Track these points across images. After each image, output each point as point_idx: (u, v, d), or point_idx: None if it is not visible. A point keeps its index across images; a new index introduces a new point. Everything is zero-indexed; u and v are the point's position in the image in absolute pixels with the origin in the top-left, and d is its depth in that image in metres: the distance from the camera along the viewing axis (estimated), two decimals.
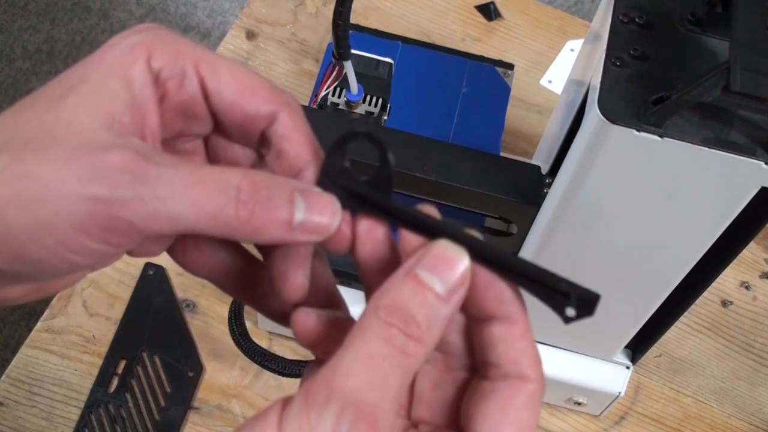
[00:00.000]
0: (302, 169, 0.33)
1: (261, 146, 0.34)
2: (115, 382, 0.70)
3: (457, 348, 0.33)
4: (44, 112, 0.28)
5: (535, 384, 0.31)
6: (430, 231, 0.31)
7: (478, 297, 0.31)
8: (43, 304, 0.73)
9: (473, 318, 0.32)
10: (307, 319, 0.32)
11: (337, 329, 0.32)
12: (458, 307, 0.30)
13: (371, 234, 0.32)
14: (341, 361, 0.28)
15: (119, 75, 0.29)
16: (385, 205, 0.32)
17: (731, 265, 0.53)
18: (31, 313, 1.33)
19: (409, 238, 0.31)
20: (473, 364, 0.33)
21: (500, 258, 0.31)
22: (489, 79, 0.70)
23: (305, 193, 0.30)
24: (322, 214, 0.30)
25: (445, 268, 0.30)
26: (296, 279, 0.33)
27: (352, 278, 0.64)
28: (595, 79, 0.46)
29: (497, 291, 0.31)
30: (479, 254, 0.31)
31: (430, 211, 0.32)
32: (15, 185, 0.27)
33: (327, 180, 0.33)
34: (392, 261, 0.32)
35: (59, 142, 0.27)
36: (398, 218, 0.32)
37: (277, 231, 0.30)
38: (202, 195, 0.28)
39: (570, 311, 0.32)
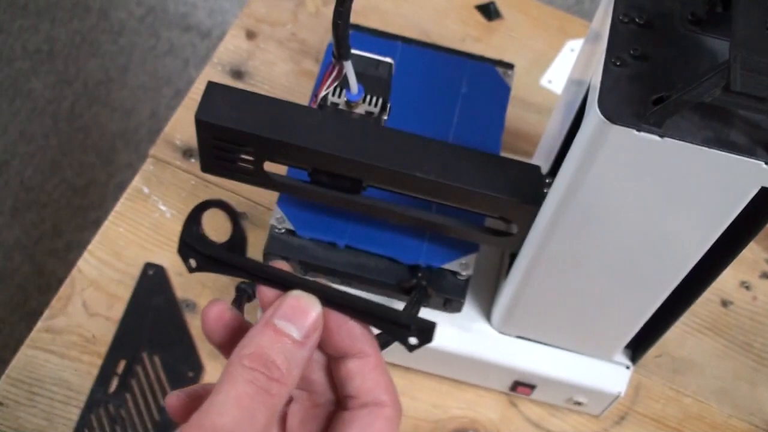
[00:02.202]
0: None
1: None
2: (115, 382, 0.70)
3: (320, 384, 0.37)
4: None
5: (391, 408, 0.37)
6: (284, 284, 0.36)
7: (333, 337, 0.35)
8: (43, 304, 0.73)
9: (331, 356, 0.36)
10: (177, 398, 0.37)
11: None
12: (314, 349, 0.35)
13: (220, 320, 0.37)
14: (212, 402, 0.32)
15: None
16: (240, 265, 0.37)
17: (731, 265, 0.53)
18: (31, 313, 1.34)
19: (266, 292, 0.36)
20: (336, 398, 0.37)
21: (348, 301, 0.35)
22: (489, 79, 0.70)
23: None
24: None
25: (300, 316, 0.34)
26: None
27: (352, 278, 0.64)
28: (595, 79, 0.46)
29: (348, 330, 0.35)
30: (329, 300, 0.35)
31: (282, 266, 0.37)
32: None
33: (186, 247, 0.37)
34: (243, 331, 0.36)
35: None
36: (253, 275, 0.37)
37: None
38: None
39: (412, 340, 0.36)
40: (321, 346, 0.36)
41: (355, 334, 0.35)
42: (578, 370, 0.66)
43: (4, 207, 1.43)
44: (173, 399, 0.37)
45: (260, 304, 0.36)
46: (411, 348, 0.36)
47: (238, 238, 0.38)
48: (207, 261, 0.38)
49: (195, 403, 0.35)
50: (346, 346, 0.36)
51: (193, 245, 0.37)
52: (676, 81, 0.43)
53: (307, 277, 0.36)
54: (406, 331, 0.36)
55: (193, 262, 0.38)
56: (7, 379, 0.69)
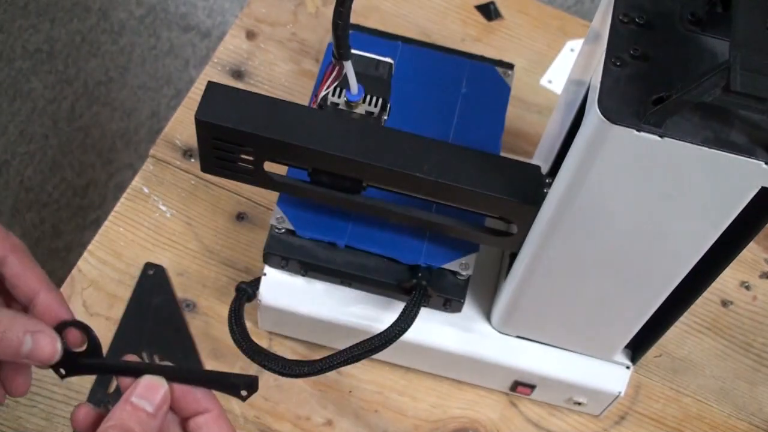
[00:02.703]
0: (37, 295, 0.45)
1: None
2: (115, 382, 0.70)
3: None
4: None
5: None
6: (137, 371, 0.46)
7: (180, 403, 0.45)
8: None
9: (183, 416, 0.46)
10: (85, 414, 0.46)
11: None
12: (165, 417, 0.44)
13: (87, 417, 0.46)
14: None
15: None
16: (100, 365, 0.49)
17: (731, 265, 0.53)
18: None
19: (124, 380, 0.46)
20: None
21: (188, 375, 0.46)
22: (489, 79, 0.70)
23: (35, 334, 0.43)
24: (44, 352, 0.44)
25: (151, 394, 0.44)
26: (21, 380, 0.49)
27: (352, 278, 0.64)
28: (595, 79, 0.46)
29: (192, 395, 0.45)
30: (173, 377, 0.45)
31: (132, 358, 0.47)
32: None
33: (56, 363, 0.47)
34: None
35: None
36: (111, 371, 0.51)
37: (10, 356, 0.43)
38: None
39: (243, 392, 0.46)
40: (174, 409, 0.45)
41: (198, 397, 0.45)
42: (578, 370, 0.66)
43: (4, 207, 1.43)
44: (81, 412, 0.46)
45: (121, 389, 0.46)
46: (244, 399, 0.46)
47: (93, 345, 0.48)
48: (70, 365, 0.47)
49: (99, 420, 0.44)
50: (193, 407, 0.45)
51: (60, 360, 0.46)
52: (676, 81, 0.43)
53: (153, 363, 0.53)
54: (237, 387, 0.46)
55: (62, 371, 0.48)
56: None
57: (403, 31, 0.86)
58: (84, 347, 0.48)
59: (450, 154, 0.57)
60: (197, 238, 0.75)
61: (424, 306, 0.62)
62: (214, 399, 0.46)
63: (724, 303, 0.79)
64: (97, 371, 0.49)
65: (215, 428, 0.45)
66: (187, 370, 0.50)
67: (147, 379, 0.44)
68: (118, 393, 0.69)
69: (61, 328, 0.46)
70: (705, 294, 0.57)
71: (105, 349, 0.71)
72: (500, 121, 0.68)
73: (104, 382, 0.69)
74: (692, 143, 0.43)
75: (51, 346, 0.44)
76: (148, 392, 0.44)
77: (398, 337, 0.59)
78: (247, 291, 0.64)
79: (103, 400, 0.69)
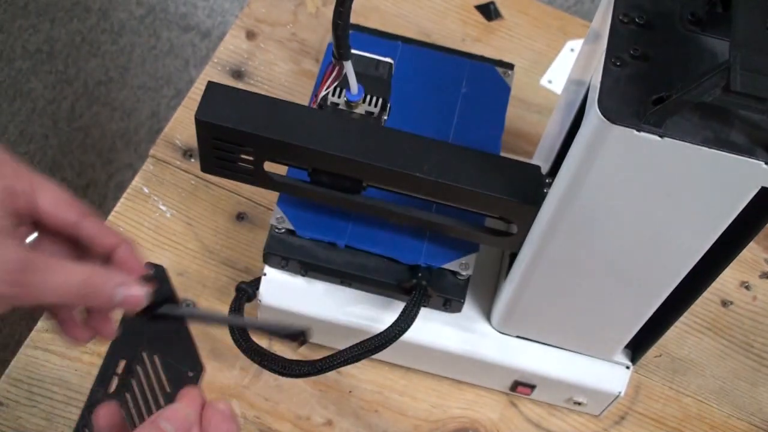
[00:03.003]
0: (115, 249, 0.48)
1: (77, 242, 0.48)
2: (115, 382, 0.70)
3: None
4: None
5: None
6: (204, 318, 0.56)
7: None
8: None
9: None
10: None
11: None
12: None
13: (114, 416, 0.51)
14: None
15: None
16: (174, 314, 0.54)
17: (731, 265, 0.53)
18: (31, 313, 1.33)
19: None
20: None
21: (250, 324, 0.56)
22: (489, 79, 0.70)
23: (126, 286, 0.47)
24: (134, 301, 0.48)
25: (176, 418, 0.47)
26: (109, 325, 0.54)
27: (352, 278, 0.64)
28: (595, 79, 0.46)
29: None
30: (235, 324, 0.56)
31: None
32: None
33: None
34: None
35: None
36: (183, 318, 0.57)
37: (104, 306, 0.49)
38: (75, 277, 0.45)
39: (296, 343, 0.50)
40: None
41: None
42: (578, 370, 0.66)
43: None
44: (104, 410, 0.50)
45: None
46: (299, 347, 0.51)
47: (170, 294, 0.54)
48: (154, 314, 0.53)
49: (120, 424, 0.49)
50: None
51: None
52: (676, 81, 0.43)
53: (213, 312, 0.57)
54: (292, 338, 0.49)
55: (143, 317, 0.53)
56: (7, 379, 0.69)
57: (403, 31, 0.86)
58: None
59: (450, 154, 0.57)
60: (197, 238, 0.75)
61: (424, 306, 0.62)
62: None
63: (724, 303, 0.79)
64: (172, 318, 0.54)
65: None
66: (249, 320, 0.57)
67: (174, 407, 0.49)
68: (119, 393, 0.69)
69: (143, 278, 0.50)
70: (705, 294, 0.57)
71: (105, 348, 0.71)
72: (500, 121, 0.68)
73: (104, 382, 0.69)
74: (692, 143, 0.43)
75: (139, 296, 0.48)
76: (171, 414, 0.48)
77: (398, 337, 0.59)
78: (247, 291, 0.64)
79: (103, 400, 0.69)
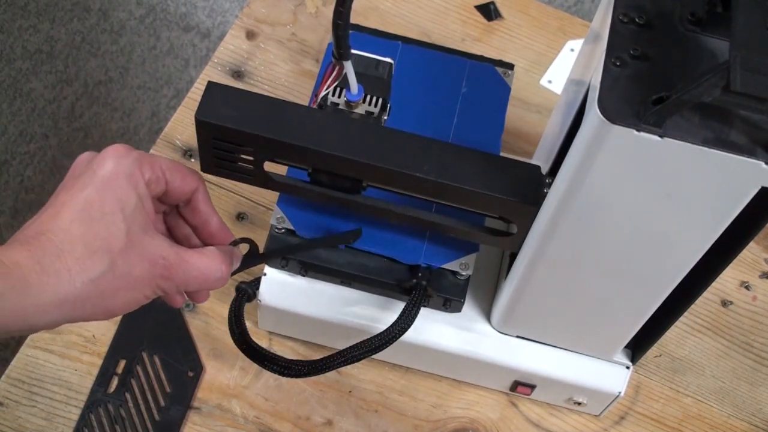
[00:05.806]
0: (211, 218, 0.53)
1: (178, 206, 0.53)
2: (115, 382, 0.70)
3: None
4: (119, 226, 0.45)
5: None
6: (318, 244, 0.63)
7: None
8: None
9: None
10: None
11: None
12: None
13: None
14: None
15: (134, 195, 0.46)
16: (258, 260, 0.59)
17: (731, 265, 0.53)
18: None
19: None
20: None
21: (313, 244, 0.65)
22: (489, 79, 0.70)
23: (233, 253, 0.53)
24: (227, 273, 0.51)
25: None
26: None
27: (352, 278, 0.64)
28: (595, 79, 0.46)
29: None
30: (300, 248, 0.64)
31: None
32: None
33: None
34: None
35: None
36: (262, 261, 0.63)
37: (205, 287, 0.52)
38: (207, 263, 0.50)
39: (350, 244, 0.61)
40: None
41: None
42: (578, 370, 0.66)
43: (4, 207, 1.43)
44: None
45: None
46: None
47: (255, 250, 0.58)
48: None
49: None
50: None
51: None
52: (676, 81, 0.43)
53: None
54: (347, 240, 0.61)
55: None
56: (7, 379, 0.69)
57: (403, 31, 0.86)
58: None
59: (450, 154, 0.56)
60: None
61: (424, 306, 0.62)
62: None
63: (724, 303, 0.79)
64: (257, 263, 0.58)
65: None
66: (311, 239, 0.63)
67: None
68: (119, 393, 0.69)
69: (234, 242, 0.55)
70: (705, 294, 0.57)
71: (105, 348, 0.71)
72: (500, 121, 0.68)
73: (104, 382, 0.69)
74: (692, 143, 0.43)
75: (228, 265, 0.51)
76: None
77: (398, 337, 0.59)
78: (247, 291, 0.64)
79: (103, 400, 0.69)
